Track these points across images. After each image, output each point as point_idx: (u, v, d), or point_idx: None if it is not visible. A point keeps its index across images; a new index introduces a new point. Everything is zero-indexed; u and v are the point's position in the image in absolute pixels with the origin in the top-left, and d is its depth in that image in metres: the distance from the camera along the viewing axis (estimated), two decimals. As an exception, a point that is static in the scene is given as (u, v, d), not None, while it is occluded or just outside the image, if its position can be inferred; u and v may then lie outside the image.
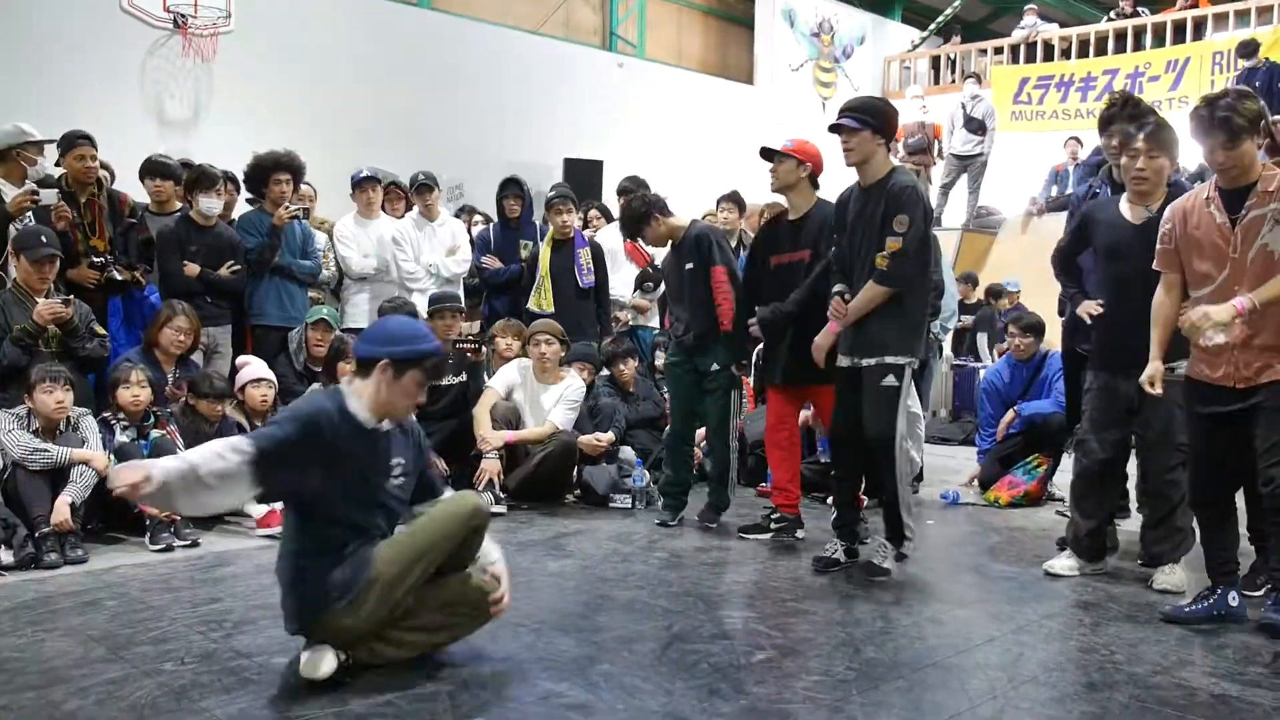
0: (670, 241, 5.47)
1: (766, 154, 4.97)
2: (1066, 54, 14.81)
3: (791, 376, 5.01)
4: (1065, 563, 4.54)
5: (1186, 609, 3.82)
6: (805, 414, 5.75)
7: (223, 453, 2.85)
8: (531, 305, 7.00)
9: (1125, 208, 4.30)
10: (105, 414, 5.09)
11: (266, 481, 2.92)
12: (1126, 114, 4.56)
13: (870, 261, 4.29)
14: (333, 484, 3.01)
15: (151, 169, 6.33)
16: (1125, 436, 4.34)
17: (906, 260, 4.22)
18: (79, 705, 2.85)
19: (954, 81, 15.30)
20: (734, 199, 7.99)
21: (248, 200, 6.89)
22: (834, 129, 4.40)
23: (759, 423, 6.44)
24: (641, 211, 5.39)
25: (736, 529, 5.23)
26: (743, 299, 5.18)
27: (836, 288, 4.49)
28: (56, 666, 3.17)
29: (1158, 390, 3.83)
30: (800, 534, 5.09)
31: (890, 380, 4.24)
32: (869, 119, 4.30)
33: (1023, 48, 15.19)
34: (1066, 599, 4.16)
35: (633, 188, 7.68)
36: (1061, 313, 5.09)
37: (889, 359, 4.26)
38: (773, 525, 5.12)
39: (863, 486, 4.86)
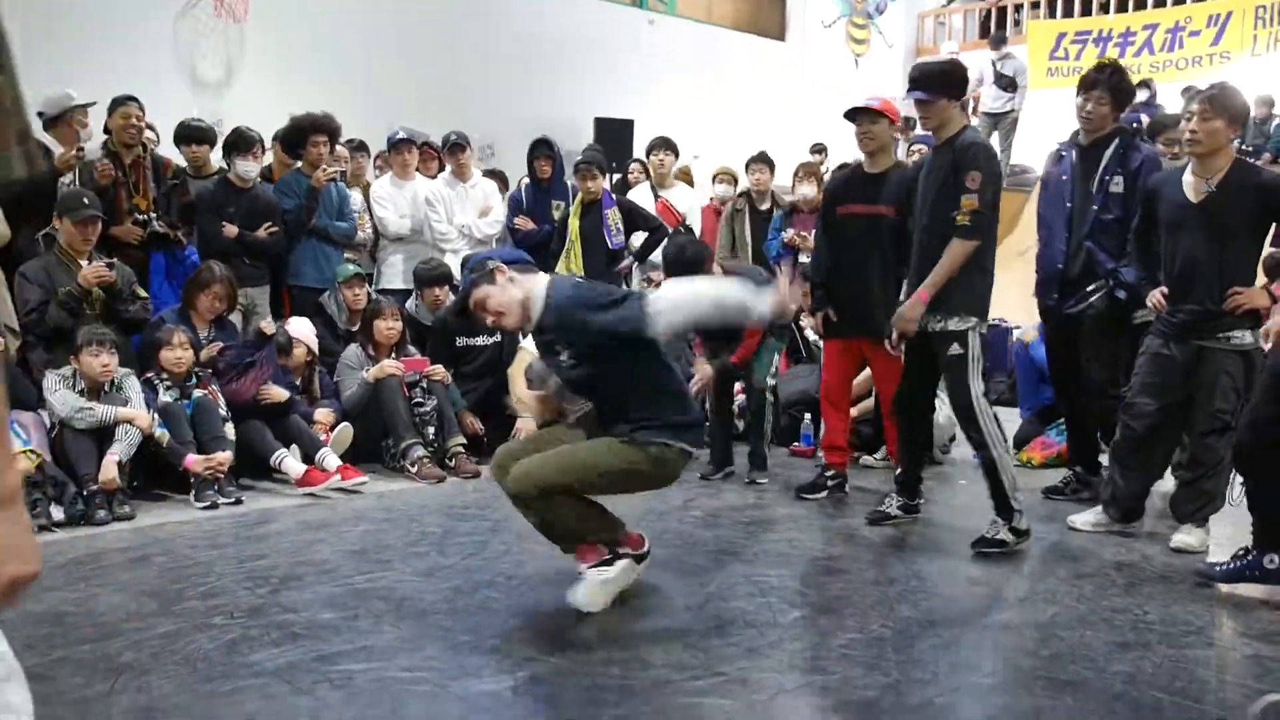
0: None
1: (856, 113, 4.94)
2: (1105, 8, 14.56)
3: (851, 330, 5.09)
4: (1089, 518, 4.58)
5: (1219, 567, 3.81)
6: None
7: None
8: (560, 270, 7.00)
9: (1188, 181, 4.22)
10: (149, 374, 5.18)
11: None
12: (1112, 83, 4.71)
13: (937, 218, 4.25)
14: None
15: (186, 134, 6.40)
16: (1174, 403, 4.30)
17: (982, 216, 4.20)
18: (134, 658, 2.95)
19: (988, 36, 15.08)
20: (764, 159, 7.95)
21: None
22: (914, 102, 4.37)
23: (793, 383, 6.48)
24: (701, 257, 5.23)
25: (795, 490, 5.23)
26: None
27: None
28: (111, 620, 3.27)
29: (1270, 344, 3.72)
30: (847, 489, 5.23)
31: (955, 349, 4.21)
32: (937, 86, 4.28)
33: (1060, 2, 14.96)
34: (1099, 559, 4.18)
35: (661, 145, 7.68)
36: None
37: (952, 325, 4.21)
38: (829, 483, 5.18)
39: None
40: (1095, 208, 4.72)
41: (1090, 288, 4.75)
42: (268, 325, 5.52)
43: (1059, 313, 4.96)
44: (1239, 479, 3.95)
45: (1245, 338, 4.14)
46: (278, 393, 5.42)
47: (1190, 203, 4.20)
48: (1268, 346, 3.72)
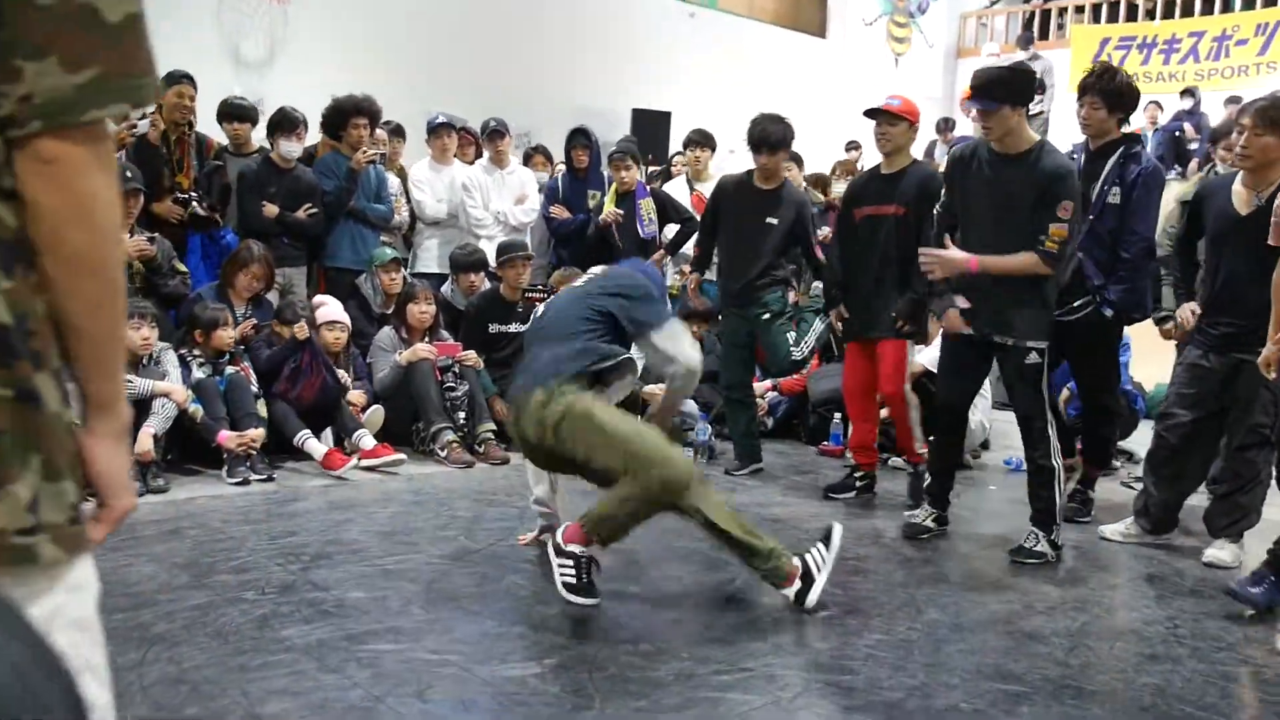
0: (755, 183, 5.48)
1: (874, 114, 4.93)
2: (1151, 15, 14.42)
3: (867, 331, 5.07)
4: (1119, 528, 4.54)
5: (1250, 589, 3.70)
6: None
7: None
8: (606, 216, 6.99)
9: (1237, 193, 4.15)
10: (182, 350, 5.23)
11: None
12: (1102, 86, 4.57)
13: (1009, 230, 4.07)
14: None
15: (229, 112, 6.42)
16: (1210, 414, 4.25)
17: (1067, 247, 4.08)
18: (167, 629, 2.98)
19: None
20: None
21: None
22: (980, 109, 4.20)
23: (823, 382, 6.46)
24: (785, 136, 5.43)
25: (823, 490, 5.23)
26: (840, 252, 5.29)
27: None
28: (144, 591, 3.31)
29: (1273, 375, 3.59)
30: (876, 490, 5.19)
31: (1034, 358, 4.10)
32: (999, 94, 4.07)
33: (1105, 7, 14.82)
34: (1131, 570, 4.15)
35: (699, 140, 7.68)
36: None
37: (1029, 343, 4.09)
38: (858, 484, 5.17)
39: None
40: (1091, 216, 4.54)
41: (1077, 303, 4.56)
42: (301, 330, 5.43)
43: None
44: None
45: None
46: (359, 397, 5.71)
47: (1239, 215, 4.12)
48: (1272, 376, 3.61)
